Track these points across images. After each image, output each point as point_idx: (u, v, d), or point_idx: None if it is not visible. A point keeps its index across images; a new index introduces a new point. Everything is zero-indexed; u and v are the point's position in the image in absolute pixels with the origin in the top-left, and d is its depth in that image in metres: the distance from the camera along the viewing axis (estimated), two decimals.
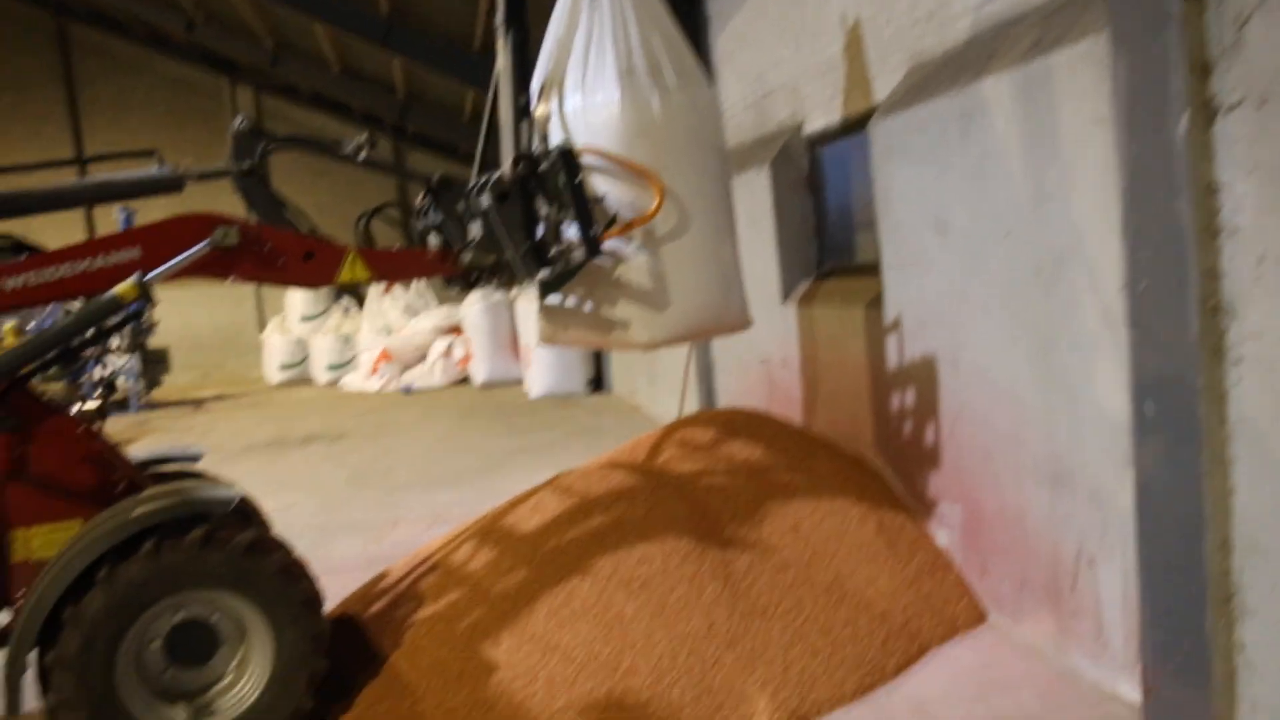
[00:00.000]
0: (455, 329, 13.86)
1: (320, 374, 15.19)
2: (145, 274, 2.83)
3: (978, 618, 3.62)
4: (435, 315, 14.07)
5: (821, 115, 5.09)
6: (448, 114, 14.29)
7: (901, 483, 4.22)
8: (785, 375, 5.51)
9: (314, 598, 3.00)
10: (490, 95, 3.99)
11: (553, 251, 3.50)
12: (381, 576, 3.99)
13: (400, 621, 3.35)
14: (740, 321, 4.04)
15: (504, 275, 3.60)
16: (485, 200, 3.43)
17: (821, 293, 5.07)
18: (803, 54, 5.20)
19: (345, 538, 5.64)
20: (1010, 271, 3.25)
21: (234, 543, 2.85)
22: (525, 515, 3.74)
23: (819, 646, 3.26)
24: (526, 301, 12.25)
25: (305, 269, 3.24)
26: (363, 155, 3.51)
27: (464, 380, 13.62)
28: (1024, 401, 3.28)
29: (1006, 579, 3.52)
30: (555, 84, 3.92)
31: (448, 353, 13.67)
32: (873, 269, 4.61)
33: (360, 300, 15.96)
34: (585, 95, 3.78)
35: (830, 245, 5.35)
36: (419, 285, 15.06)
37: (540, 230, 3.53)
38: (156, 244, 2.92)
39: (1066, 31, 2.91)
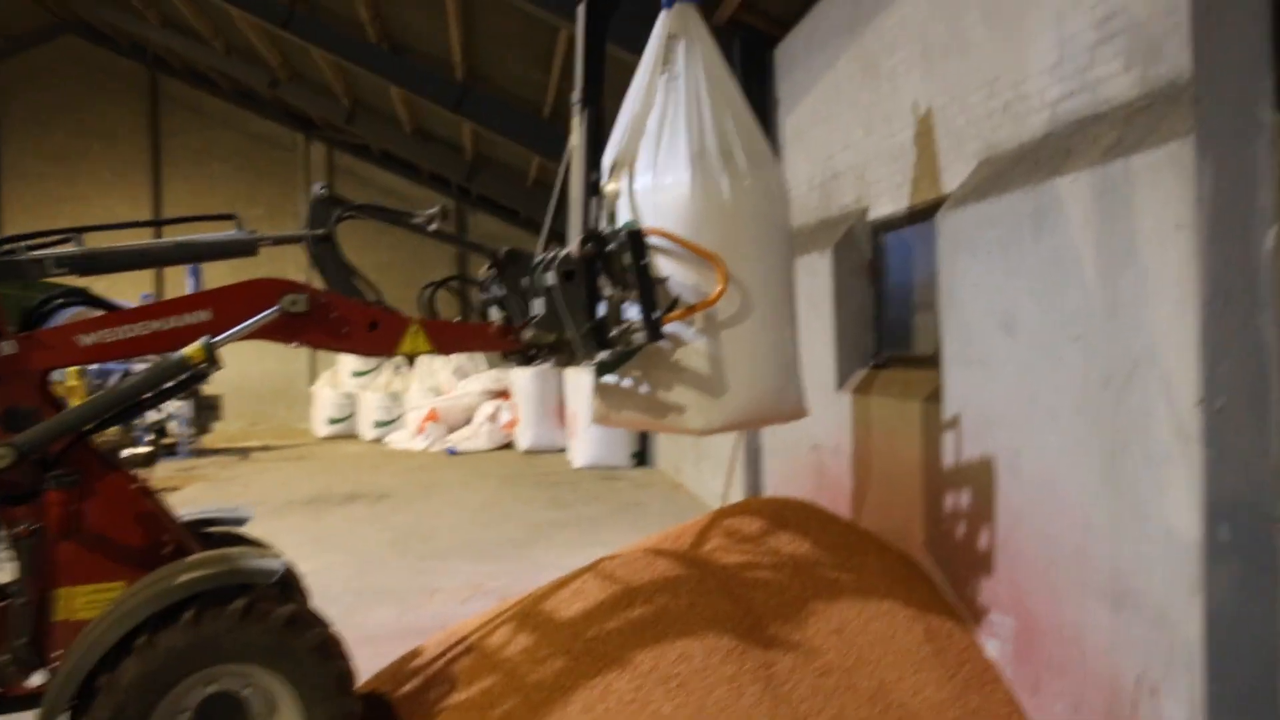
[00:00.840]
0: (503, 393, 13.91)
1: (367, 430, 15.31)
2: (214, 336, 2.86)
3: None
4: (484, 378, 14.16)
5: (888, 201, 5.04)
6: (513, 178, 14.60)
7: (951, 587, 4.05)
8: (836, 464, 5.38)
9: (347, 676, 2.93)
10: (561, 170, 4.00)
11: (613, 332, 3.46)
12: (415, 654, 3.90)
13: (431, 705, 3.25)
14: (796, 410, 3.95)
15: (564, 354, 3.57)
16: (550, 278, 3.42)
17: (878, 382, 4.96)
18: (873, 138, 5.18)
19: (381, 605, 5.57)
20: (1080, 377, 3.13)
21: (274, 616, 2.80)
22: (566, 600, 3.64)
23: None
24: (577, 371, 12.29)
25: (369, 339, 3.25)
26: (433, 227, 3.54)
27: (508, 445, 13.61)
28: (1088, 513, 3.12)
29: (1060, 699, 3.31)
30: (627, 162, 3.93)
31: (494, 416, 13.71)
32: (931, 361, 4.51)
33: (411, 359, 16.14)
34: (656, 175, 3.77)
35: (888, 334, 5.26)
36: None
37: (602, 310, 3.51)
38: (227, 307, 2.95)
39: (1149, 134, 2.83)
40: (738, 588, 3.74)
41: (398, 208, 3.68)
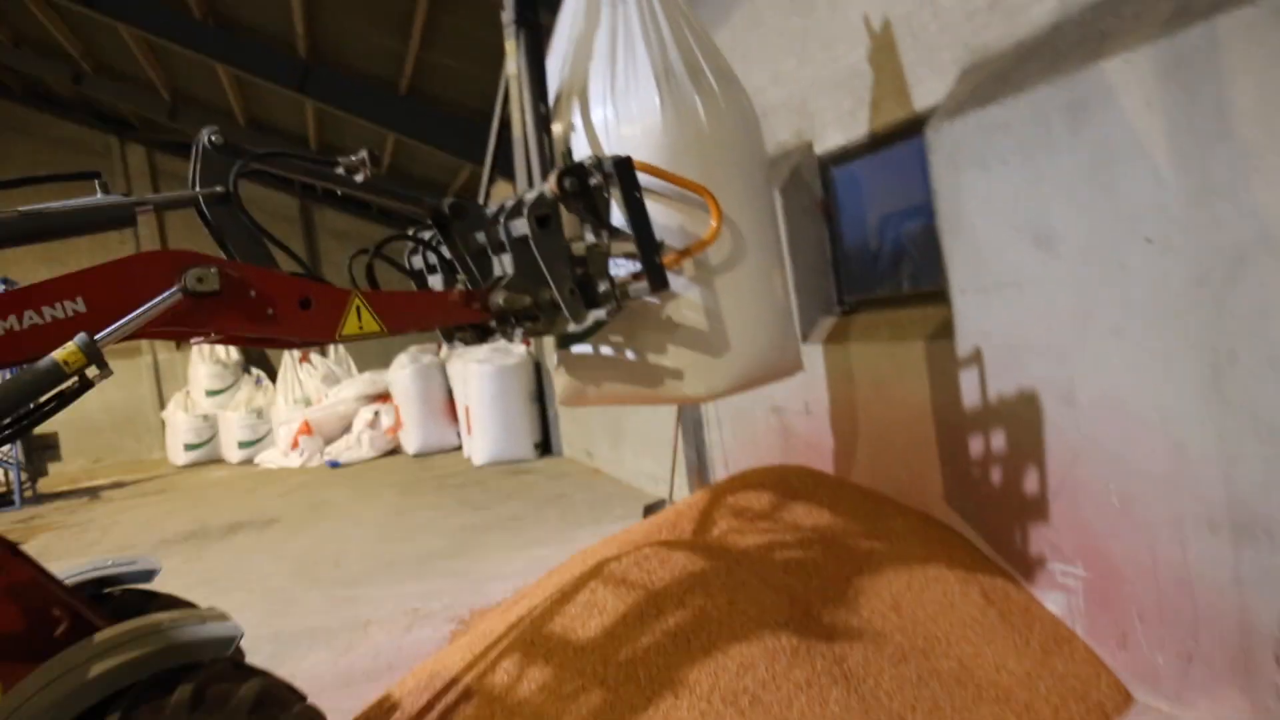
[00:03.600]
0: (382, 396, 12.90)
1: (231, 452, 13.93)
2: (95, 333, 2.05)
3: (1124, 699, 3.04)
4: (358, 383, 13.09)
5: (837, 132, 4.59)
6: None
7: (987, 541, 3.65)
8: (807, 425, 4.93)
9: None
10: (498, 105, 3.34)
11: (603, 287, 2.85)
12: (388, 704, 3.18)
13: None
14: (796, 364, 3.47)
15: (540, 320, 2.91)
16: (520, 226, 2.76)
17: (856, 328, 4.52)
18: (810, 67, 4.71)
19: (310, 649, 4.74)
20: (1157, 282, 2.74)
21: (235, 700, 2.06)
22: (579, 616, 3.01)
23: None
24: (459, 361, 11.45)
25: (301, 320, 2.48)
26: (360, 177, 2.80)
27: (394, 451, 12.64)
28: (1183, 435, 2.75)
29: (1161, 651, 2.95)
30: (575, 91, 3.32)
31: (374, 422, 12.69)
32: (927, 297, 4.10)
33: (272, 373, 14.84)
34: (616, 104, 3.19)
35: (851, 277, 4.83)
36: (338, 351, 14.09)
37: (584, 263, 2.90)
38: (106, 292, 2.12)
39: None
40: (772, 574, 3.21)
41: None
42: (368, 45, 9.25)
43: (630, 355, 3.27)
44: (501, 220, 2.86)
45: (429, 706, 2.96)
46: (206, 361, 14.73)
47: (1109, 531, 3.07)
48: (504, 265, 2.91)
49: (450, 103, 10.02)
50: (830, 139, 4.66)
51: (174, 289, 2.22)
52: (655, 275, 2.82)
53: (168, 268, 2.23)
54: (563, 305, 2.80)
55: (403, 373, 12.13)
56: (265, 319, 2.40)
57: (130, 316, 2.14)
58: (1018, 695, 2.88)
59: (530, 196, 2.81)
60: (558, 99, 3.35)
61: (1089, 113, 2.88)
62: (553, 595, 3.25)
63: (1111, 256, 2.88)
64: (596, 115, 3.23)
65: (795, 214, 4.88)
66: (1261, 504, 2.55)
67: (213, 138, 2.53)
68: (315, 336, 2.54)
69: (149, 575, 2.91)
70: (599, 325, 3.10)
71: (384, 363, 13.54)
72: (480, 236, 2.95)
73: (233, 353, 14.99)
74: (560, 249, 2.81)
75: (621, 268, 3.01)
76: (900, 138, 4.13)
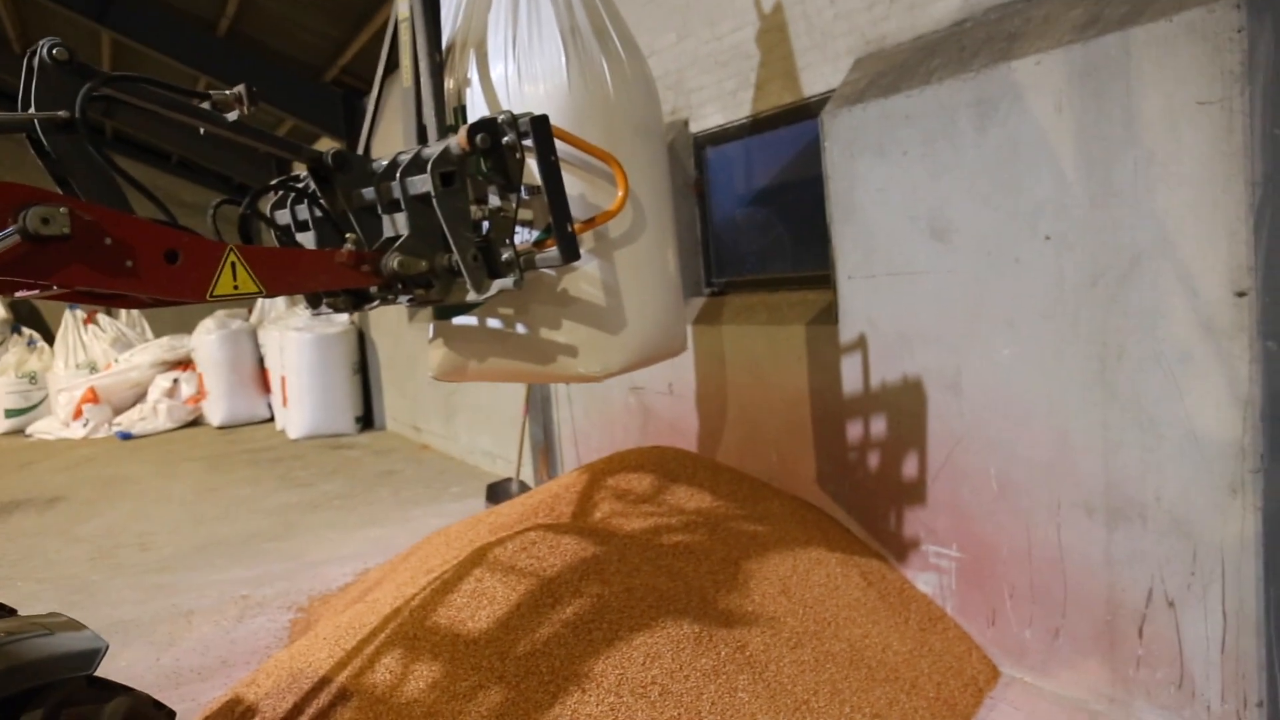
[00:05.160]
0: (183, 363, 11.84)
1: None
2: None
3: (992, 674, 3.19)
4: (155, 348, 11.94)
5: (715, 111, 4.54)
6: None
7: (859, 524, 3.74)
8: (670, 406, 4.88)
9: None
10: (385, 49, 3.05)
11: (505, 256, 2.64)
12: (236, 709, 2.85)
13: None
14: (682, 344, 3.42)
15: (435, 287, 2.66)
16: (421, 183, 2.51)
17: (728, 310, 4.50)
18: (689, 42, 4.64)
19: (125, 644, 4.23)
20: (1051, 279, 2.86)
21: None
22: (468, 608, 2.80)
23: None
24: (275, 328, 10.68)
25: (166, 275, 2.11)
26: (234, 116, 2.44)
27: (196, 422, 11.65)
28: (1066, 426, 2.89)
29: (1029, 627, 3.11)
30: (469, 44, 3.09)
31: (173, 391, 11.63)
32: (805, 282, 4.13)
33: (49, 335, 13.30)
34: (519, 60, 3.00)
35: (723, 259, 4.81)
36: (130, 314, 12.81)
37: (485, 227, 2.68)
38: None
39: (1146, 6, 2.56)
40: (663, 558, 3.13)
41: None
42: None
43: (520, 329, 3.09)
44: (397, 175, 2.59)
45: (297, 710, 2.67)
46: None
47: (985, 514, 3.20)
48: (397, 225, 2.64)
49: (275, 51, 9.26)
50: (709, 118, 4.61)
51: (9, 230, 1.84)
52: (567, 245, 2.65)
53: (1, 204, 1.85)
54: (465, 272, 2.58)
55: (209, 338, 11.18)
56: (122, 271, 2.04)
57: None
58: (904, 674, 2.94)
59: (434, 151, 2.56)
60: (450, 49, 3.11)
61: (997, 110, 2.95)
62: (430, 583, 3.02)
63: (1008, 251, 2.97)
64: (496, 71, 3.01)
65: None
66: (1137, 489, 2.71)
67: (54, 51, 2.11)
68: (181, 295, 2.18)
69: None
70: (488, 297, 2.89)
71: (184, 327, 12.44)
72: (368, 193, 2.66)
73: None
74: (464, 210, 2.58)
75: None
76: (787, 121, 4.13)
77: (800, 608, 3.07)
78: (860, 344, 3.59)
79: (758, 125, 4.32)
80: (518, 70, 2.99)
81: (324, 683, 2.74)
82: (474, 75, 3.06)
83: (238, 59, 9.15)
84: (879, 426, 3.58)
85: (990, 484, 3.16)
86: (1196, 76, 2.41)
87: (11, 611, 2.18)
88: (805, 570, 3.27)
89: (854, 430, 3.70)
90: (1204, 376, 2.50)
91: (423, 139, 2.88)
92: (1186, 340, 2.53)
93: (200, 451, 9.76)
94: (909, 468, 3.46)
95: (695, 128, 4.73)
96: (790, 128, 4.13)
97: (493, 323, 3.14)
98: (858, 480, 3.71)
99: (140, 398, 11.69)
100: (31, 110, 2.09)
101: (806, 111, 3.99)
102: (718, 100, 4.53)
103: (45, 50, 2.09)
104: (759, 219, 4.54)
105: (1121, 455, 2.74)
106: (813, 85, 3.93)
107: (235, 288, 2.28)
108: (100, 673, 1.98)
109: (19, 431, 12.10)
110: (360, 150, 3.14)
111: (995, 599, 3.21)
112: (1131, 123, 2.58)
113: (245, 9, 8.42)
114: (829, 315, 3.75)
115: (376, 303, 2.78)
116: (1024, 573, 3.09)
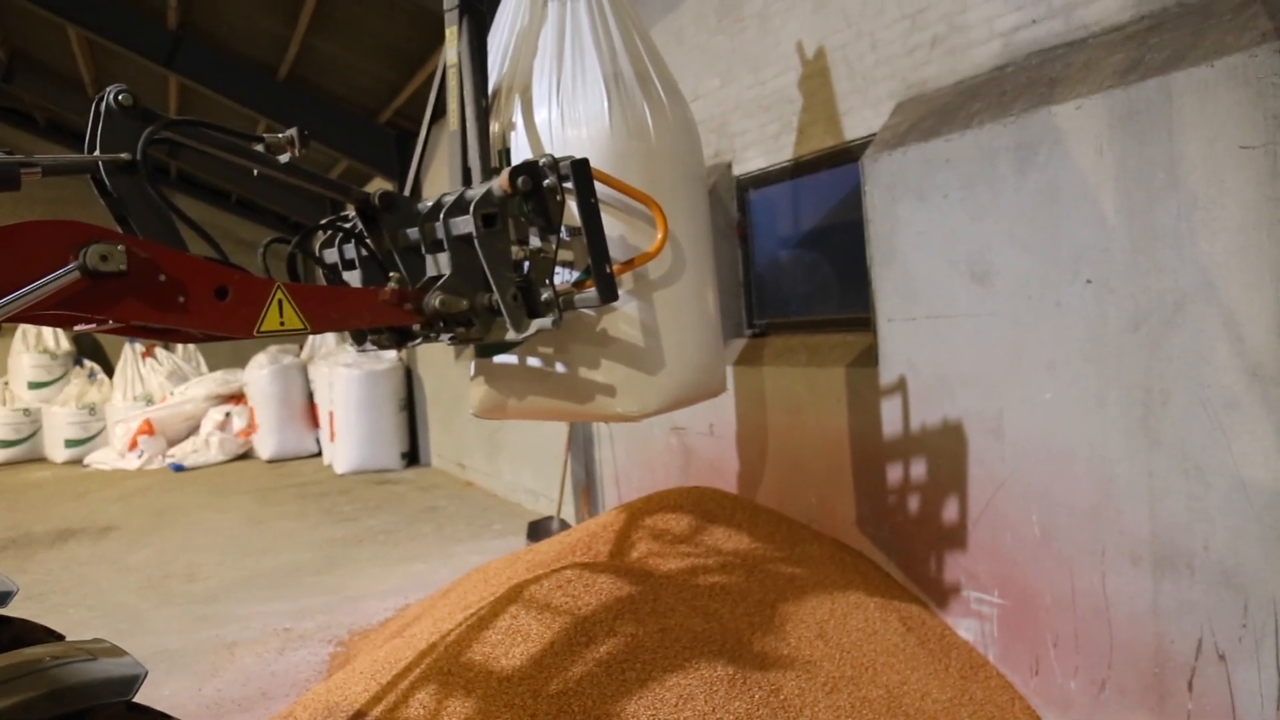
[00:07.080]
0: (235, 397, 12.12)
1: (56, 451, 12.75)
2: None
3: None
4: (209, 381, 12.25)
5: (759, 154, 4.59)
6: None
7: (900, 568, 3.69)
8: (711, 447, 4.88)
9: None
10: (433, 96, 3.15)
11: (545, 295, 2.69)
12: None
13: None
14: (721, 385, 3.45)
15: (475, 327, 2.71)
16: (464, 224, 2.58)
17: (769, 352, 4.51)
18: (734, 87, 4.71)
19: (168, 675, 4.30)
20: (1093, 323, 2.83)
21: None
22: (501, 644, 2.81)
23: None
24: (324, 364, 10.90)
25: (217, 312, 2.20)
26: (285, 158, 2.54)
27: (246, 455, 11.88)
28: (1110, 472, 2.84)
29: (1074, 677, 3.03)
30: (515, 89, 3.17)
31: (225, 424, 11.90)
32: (845, 324, 4.13)
33: (109, 367, 13.71)
34: (562, 105, 3.07)
35: (764, 301, 4.83)
36: (187, 347, 13.17)
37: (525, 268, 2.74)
38: None
39: (1187, 51, 2.55)
40: (699, 599, 3.12)
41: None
42: (249, 25, 8.70)
43: (560, 368, 3.13)
44: (441, 216, 2.67)
45: None
46: (31, 350, 13.46)
47: (1028, 561, 3.14)
48: (440, 265, 2.72)
49: (332, 94, 9.56)
50: (751, 161, 4.66)
51: (70, 266, 1.92)
52: (606, 286, 2.70)
53: (63, 241, 1.93)
54: (504, 311, 2.63)
55: (261, 373, 11.44)
56: (174, 307, 2.12)
57: (13, 296, 1.83)
58: None
59: (476, 193, 2.63)
60: (496, 94, 3.20)
61: (1037, 154, 2.95)
62: (466, 620, 3.04)
63: (1049, 295, 2.95)
64: (540, 115, 3.09)
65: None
66: (1184, 538, 2.65)
67: (119, 97, 2.23)
68: (230, 331, 2.26)
69: (6, 597, 2.50)
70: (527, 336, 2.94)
71: (237, 361, 12.74)
72: (413, 233, 2.74)
73: (63, 342, 13.77)
74: (505, 251, 2.65)
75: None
76: (828, 165, 4.16)
77: (837, 652, 3.03)
78: (900, 386, 3.57)
79: (799, 168, 4.36)
80: (561, 115, 3.07)
81: (359, 716, 2.76)
82: (518, 119, 3.14)
83: (296, 102, 9.46)
84: (919, 470, 3.55)
85: (1033, 529, 3.11)
86: (1239, 121, 2.40)
87: (60, 637, 2.24)
88: (843, 614, 3.23)
89: (894, 473, 3.67)
90: (1251, 423, 2.45)
91: (467, 181, 2.96)
92: (1232, 386, 2.49)
93: (249, 484, 9.95)
94: (950, 512, 3.42)
95: (738, 170, 4.78)
96: (832, 171, 4.16)
97: (532, 361, 3.18)
98: (898, 524, 3.67)
99: (194, 430, 11.97)
100: (96, 152, 2.20)
101: (848, 155, 4.02)
102: (760, 144, 4.58)
103: (111, 96, 2.20)
104: (800, 261, 4.56)
105: (1167, 503, 2.69)
106: (854, 129, 3.97)
107: (281, 324, 2.36)
108: (144, 701, 2.02)
109: (77, 461, 12.45)
110: (407, 191, 3.24)
111: (1039, 647, 3.14)
112: (1174, 167, 2.56)
113: (305, 53, 8.71)
114: (869, 358, 3.74)
115: (419, 340, 2.85)
116: (1068, 621, 3.03)
